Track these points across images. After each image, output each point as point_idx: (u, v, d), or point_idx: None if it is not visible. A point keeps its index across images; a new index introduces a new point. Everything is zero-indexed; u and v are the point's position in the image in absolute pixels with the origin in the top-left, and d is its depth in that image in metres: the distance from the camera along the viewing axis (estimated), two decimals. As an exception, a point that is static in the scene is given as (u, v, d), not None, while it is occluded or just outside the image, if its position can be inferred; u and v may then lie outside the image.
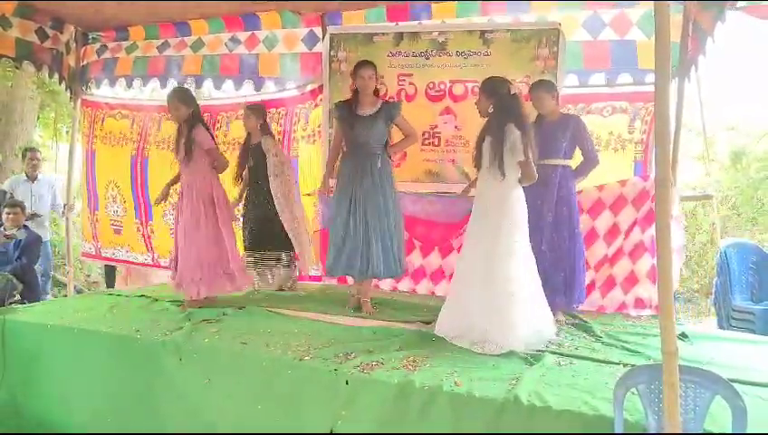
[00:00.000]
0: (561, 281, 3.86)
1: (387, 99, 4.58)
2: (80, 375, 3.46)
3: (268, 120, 4.90)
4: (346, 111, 4.08)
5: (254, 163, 4.72)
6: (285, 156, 4.99)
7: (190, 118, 4.11)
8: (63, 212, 5.96)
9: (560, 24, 4.36)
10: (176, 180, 4.37)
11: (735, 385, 2.18)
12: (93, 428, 3.37)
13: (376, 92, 4.12)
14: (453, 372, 2.78)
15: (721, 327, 4.99)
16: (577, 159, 4.06)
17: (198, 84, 5.67)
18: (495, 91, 3.44)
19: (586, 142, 3.97)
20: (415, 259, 4.96)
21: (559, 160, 3.91)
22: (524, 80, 4.42)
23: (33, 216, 5.89)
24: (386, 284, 5.07)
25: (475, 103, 3.60)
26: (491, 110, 3.45)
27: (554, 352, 3.16)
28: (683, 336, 3.51)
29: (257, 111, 4.76)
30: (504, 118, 3.38)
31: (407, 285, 5.02)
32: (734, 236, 7.71)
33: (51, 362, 3.55)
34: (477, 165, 3.54)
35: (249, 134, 4.80)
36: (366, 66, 4.02)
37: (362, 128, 4.01)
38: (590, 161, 4.01)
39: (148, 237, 6.03)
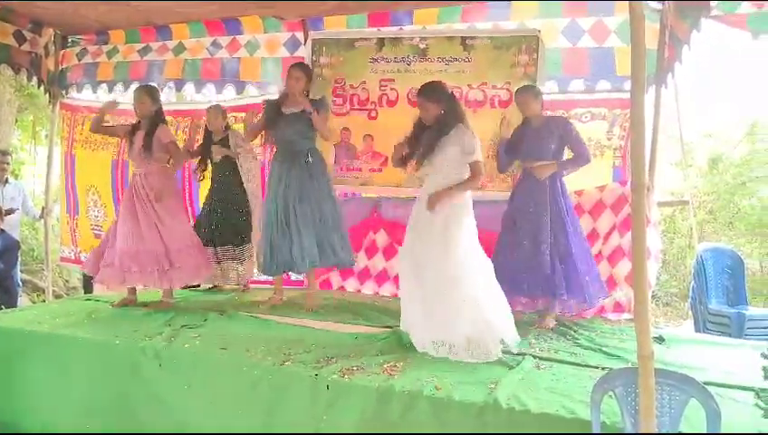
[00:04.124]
0: (561, 281, 3.81)
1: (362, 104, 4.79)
2: (58, 382, 3.42)
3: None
4: (272, 110, 4.20)
5: (221, 159, 4.79)
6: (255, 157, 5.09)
7: (153, 115, 4.27)
8: (41, 216, 5.89)
9: (539, 31, 4.40)
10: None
11: (710, 388, 2.22)
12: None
13: (306, 94, 4.19)
14: (433, 377, 2.80)
15: (697, 330, 5.05)
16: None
17: (179, 88, 5.67)
18: (441, 97, 3.48)
19: (575, 142, 3.94)
20: (396, 264, 4.97)
21: (547, 162, 3.94)
22: (505, 86, 4.47)
23: (9, 211, 5.76)
24: (368, 288, 5.08)
25: (420, 113, 3.54)
26: (442, 113, 3.46)
27: (534, 356, 3.19)
28: (660, 340, 3.56)
29: (223, 110, 4.91)
30: (455, 120, 3.45)
31: (388, 290, 5.02)
32: (711, 241, 7.82)
33: (29, 368, 3.51)
34: (419, 166, 3.56)
35: (209, 131, 4.89)
36: (296, 67, 4.19)
37: (285, 125, 4.13)
38: (579, 158, 3.94)
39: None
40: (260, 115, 4.40)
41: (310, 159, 4.15)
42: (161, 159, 4.28)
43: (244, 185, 4.84)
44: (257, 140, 5.00)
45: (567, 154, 4.02)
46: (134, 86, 5.64)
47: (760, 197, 9.15)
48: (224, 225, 4.79)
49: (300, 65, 4.26)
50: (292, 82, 4.11)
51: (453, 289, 3.25)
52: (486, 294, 3.34)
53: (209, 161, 4.89)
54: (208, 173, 4.99)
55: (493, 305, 3.34)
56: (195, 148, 4.93)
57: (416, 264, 3.41)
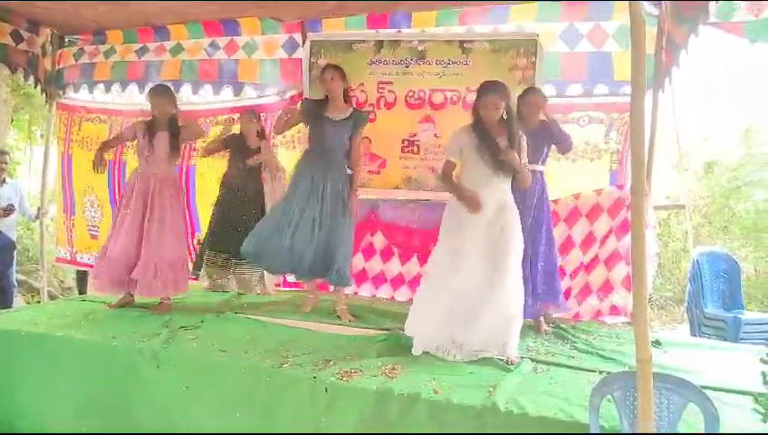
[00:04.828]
0: (541, 286, 3.87)
1: (360, 106, 4.68)
2: (55, 383, 3.41)
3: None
4: (314, 111, 4.12)
5: (249, 167, 4.76)
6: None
7: (174, 116, 4.24)
8: (37, 216, 5.87)
9: (538, 35, 4.42)
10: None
11: (708, 392, 2.23)
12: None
13: (346, 99, 4.15)
14: (431, 380, 2.80)
15: (693, 334, 5.07)
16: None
17: (176, 89, 5.64)
18: (508, 98, 3.39)
19: (560, 133, 3.96)
20: (394, 267, 4.98)
21: (539, 166, 3.96)
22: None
23: (8, 211, 5.72)
24: (365, 290, 5.08)
25: (488, 112, 3.33)
26: (505, 116, 3.38)
27: (531, 359, 3.19)
28: (657, 343, 3.57)
29: (258, 117, 4.88)
30: (517, 125, 3.42)
31: (386, 292, 5.02)
32: (706, 245, 7.85)
33: (25, 369, 3.49)
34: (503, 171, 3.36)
35: (237, 135, 4.89)
36: (327, 69, 4.10)
37: (330, 132, 4.06)
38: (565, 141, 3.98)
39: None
40: (291, 112, 4.30)
41: (349, 171, 4.11)
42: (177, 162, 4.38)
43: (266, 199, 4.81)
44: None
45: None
46: (131, 86, 5.67)
47: (755, 201, 9.18)
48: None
49: (330, 65, 4.16)
50: (329, 85, 4.04)
51: (497, 293, 3.24)
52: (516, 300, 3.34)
53: (239, 165, 4.81)
54: (215, 173, 4.99)
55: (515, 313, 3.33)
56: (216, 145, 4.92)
57: (466, 264, 3.29)
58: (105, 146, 4.32)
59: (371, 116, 4.79)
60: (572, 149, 4.10)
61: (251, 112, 4.89)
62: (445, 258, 3.37)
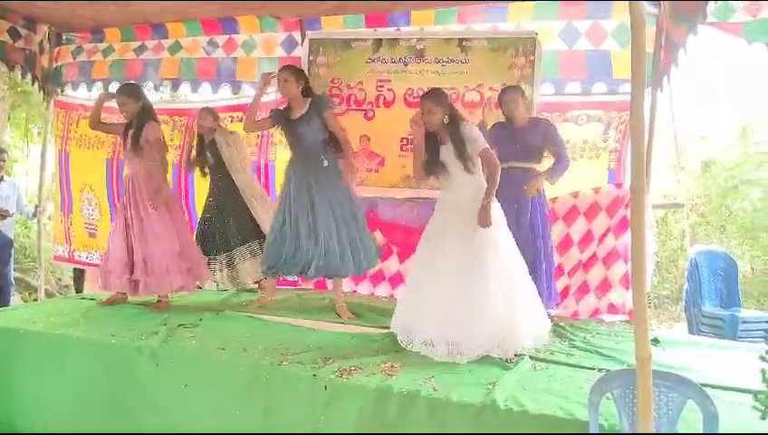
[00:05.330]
0: (537, 284, 3.88)
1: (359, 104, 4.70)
2: (54, 381, 3.41)
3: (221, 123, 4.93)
4: (282, 118, 4.12)
5: (214, 161, 4.72)
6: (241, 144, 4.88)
7: (140, 112, 4.17)
8: (35, 214, 5.86)
9: (536, 34, 4.42)
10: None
11: (707, 390, 2.23)
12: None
13: (306, 93, 4.07)
14: (431, 377, 2.81)
15: (691, 333, 5.08)
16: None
17: (175, 87, 5.66)
18: (446, 102, 3.46)
19: (559, 144, 4.00)
20: (392, 265, 4.98)
21: (531, 164, 3.97)
22: (501, 87, 4.46)
23: (5, 213, 5.72)
24: (364, 288, 5.08)
25: (427, 117, 3.43)
26: (446, 120, 3.44)
27: (530, 357, 3.20)
28: (655, 341, 3.57)
29: (214, 112, 4.80)
30: (459, 120, 3.45)
31: (385, 290, 5.03)
32: (703, 244, 7.86)
33: (24, 368, 3.49)
34: (432, 172, 3.52)
35: (201, 135, 4.77)
36: (282, 70, 4.08)
37: (300, 130, 4.03)
38: (563, 160, 4.00)
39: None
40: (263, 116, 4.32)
41: (326, 163, 4.06)
42: (153, 158, 4.16)
43: (233, 176, 4.68)
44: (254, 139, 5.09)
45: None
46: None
47: (752, 200, 9.20)
48: (228, 228, 4.72)
49: (285, 67, 4.15)
50: (282, 88, 4.03)
51: (480, 289, 3.21)
52: (508, 295, 3.28)
53: (206, 165, 4.78)
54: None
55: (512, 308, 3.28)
56: (192, 156, 4.81)
57: (444, 262, 3.31)
58: (106, 97, 4.40)
59: (369, 114, 4.80)
60: (568, 168, 4.08)
61: (206, 109, 4.80)
62: (421, 260, 3.48)
